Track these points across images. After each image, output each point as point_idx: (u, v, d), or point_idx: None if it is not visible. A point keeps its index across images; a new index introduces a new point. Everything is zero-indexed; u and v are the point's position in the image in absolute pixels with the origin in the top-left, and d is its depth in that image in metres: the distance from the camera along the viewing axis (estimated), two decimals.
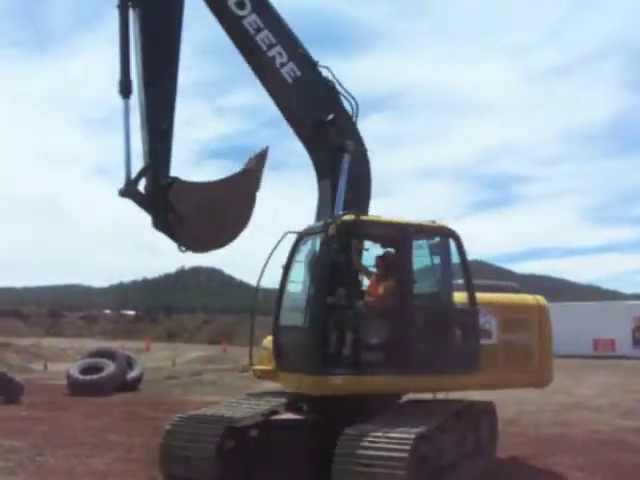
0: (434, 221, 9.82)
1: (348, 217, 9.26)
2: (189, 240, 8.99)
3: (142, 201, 8.79)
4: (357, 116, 10.49)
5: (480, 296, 9.84)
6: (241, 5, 9.63)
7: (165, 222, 8.80)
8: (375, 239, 10.24)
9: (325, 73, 10.32)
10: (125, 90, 9.03)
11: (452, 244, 9.77)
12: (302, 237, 9.87)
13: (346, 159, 10.18)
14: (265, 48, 9.80)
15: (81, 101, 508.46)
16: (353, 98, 10.41)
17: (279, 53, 9.86)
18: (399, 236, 9.60)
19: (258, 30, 9.73)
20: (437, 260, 9.85)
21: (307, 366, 8.82)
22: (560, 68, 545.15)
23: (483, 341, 9.74)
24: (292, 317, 9.62)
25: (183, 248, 8.96)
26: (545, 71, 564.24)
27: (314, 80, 10.23)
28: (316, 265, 9.21)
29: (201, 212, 8.90)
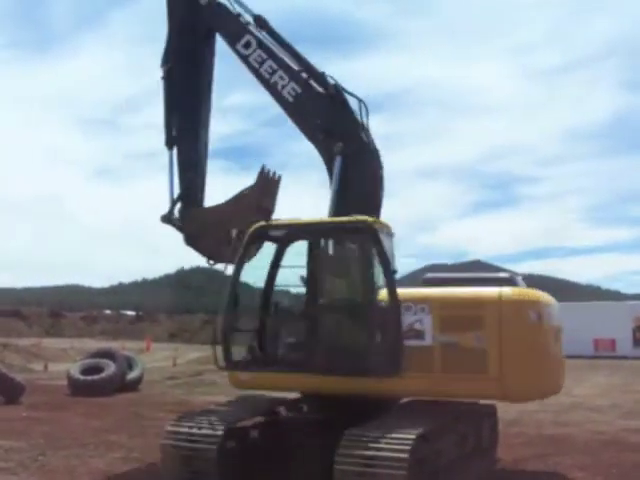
0: (354, 217, 9.28)
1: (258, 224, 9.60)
2: (207, 254, 11.35)
3: (177, 225, 11.60)
4: (367, 117, 10.50)
5: (414, 291, 9.16)
6: (247, 45, 11.09)
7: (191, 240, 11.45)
8: (295, 241, 10.18)
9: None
10: (169, 144, 11.79)
11: (368, 239, 9.12)
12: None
13: (338, 161, 10.25)
14: (268, 76, 10.94)
15: (81, 101, 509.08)
16: (360, 100, 10.48)
17: (280, 77, 10.87)
18: (312, 237, 9.60)
19: (262, 62, 10.98)
20: (357, 257, 9.65)
21: (223, 363, 9.47)
22: (562, 68, 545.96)
23: (413, 342, 8.67)
24: None
25: (211, 262, 11.33)
26: (547, 71, 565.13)
27: (315, 93, 10.73)
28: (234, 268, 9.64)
29: (206, 232, 11.20)
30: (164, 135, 11.83)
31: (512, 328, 8.54)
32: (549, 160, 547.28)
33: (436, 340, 8.68)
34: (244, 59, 11.13)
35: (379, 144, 10.51)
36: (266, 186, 11.15)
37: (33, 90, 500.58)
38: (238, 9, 11.34)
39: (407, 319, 8.70)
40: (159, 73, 11.92)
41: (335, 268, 9.68)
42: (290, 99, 10.81)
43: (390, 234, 9.54)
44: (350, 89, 10.55)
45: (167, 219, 11.62)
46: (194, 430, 8.53)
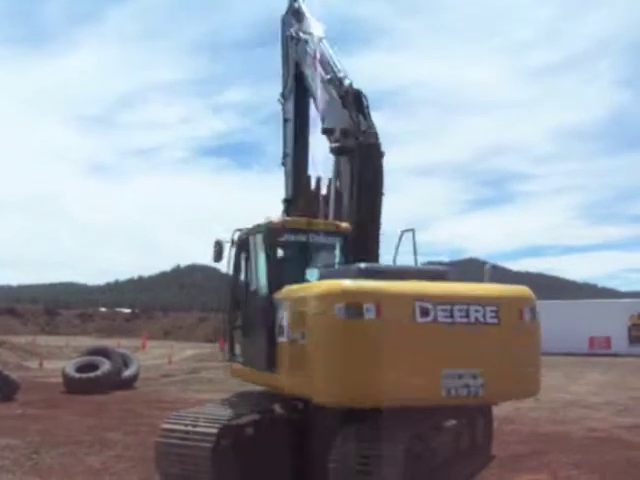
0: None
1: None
2: None
3: None
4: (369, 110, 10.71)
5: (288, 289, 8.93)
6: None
7: None
8: None
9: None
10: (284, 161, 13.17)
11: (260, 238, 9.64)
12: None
13: (339, 160, 10.62)
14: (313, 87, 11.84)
15: (76, 98, 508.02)
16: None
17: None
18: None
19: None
20: (259, 256, 9.82)
21: None
22: (557, 66, 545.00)
23: (280, 339, 8.65)
24: None
25: None
26: (542, 68, 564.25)
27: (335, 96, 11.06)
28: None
29: None
30: (282, 156, 13.31)
31: (318, 324, 7.77)
32: (545, 158, 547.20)
33: (288, 337, 8.45)
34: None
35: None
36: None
37: (27, 87, 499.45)
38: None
39: (279, 315, 8.82)
40: (277, 105, 13.65)
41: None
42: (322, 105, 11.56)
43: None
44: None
45: None
46: (189, 428, 8.51)
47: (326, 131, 10.99)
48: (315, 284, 8.62)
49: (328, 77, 11.27)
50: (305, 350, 7.94)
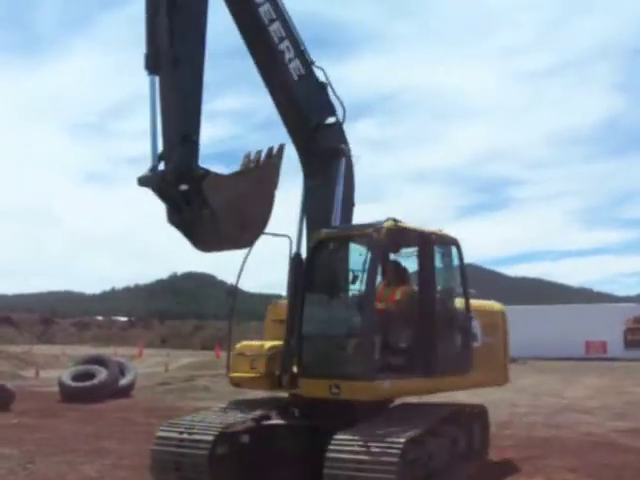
0: (440, 229, 9.97)
1: (389, 224, 9.18)
2: (212, 238, 8.42)
3: (162, 191, 8.19)
4: (344, 121, 10.34)
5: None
6: None
7: (181, 218, 8.28)
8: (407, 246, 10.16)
9: (320, 74, 10.10)
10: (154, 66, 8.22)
11: (454, 251, 10.07)
12: (323, 241, 9.65)
13: (343, 162, 10.13)
14: (276, 40, 9.44)
15: (69, 106, 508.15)
16: (342, 103, 10.25)
17: (287, 48, 9.57)
18: (423, 243, 9.71)
19: (271, 21, 9.38)
20: (442, 266, 10.03)
21: (357, 372, 8.64)
22: (551, 70, 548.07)
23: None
24: (320, 324, 9.56)
25: (200, 246, 8.57)
26: (536, 73, 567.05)
27: (314, 80, 10.03)
28: (369, 270, 8.97)
29: (231, 208, 8.21)
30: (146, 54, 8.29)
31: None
32: (540, 163, 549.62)
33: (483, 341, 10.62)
34: (252, 9, 9.22)
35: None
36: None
37: (20, 94, 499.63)
38: None
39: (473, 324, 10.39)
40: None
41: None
42: (295, 77, 9.71)
43: None
44: (340, 92, 10.21)
45: (149, 180, 8.19)
46: (184, 435, 8.51)
47: (319, 126, 10.09)
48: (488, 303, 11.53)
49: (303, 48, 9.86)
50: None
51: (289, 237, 9.77)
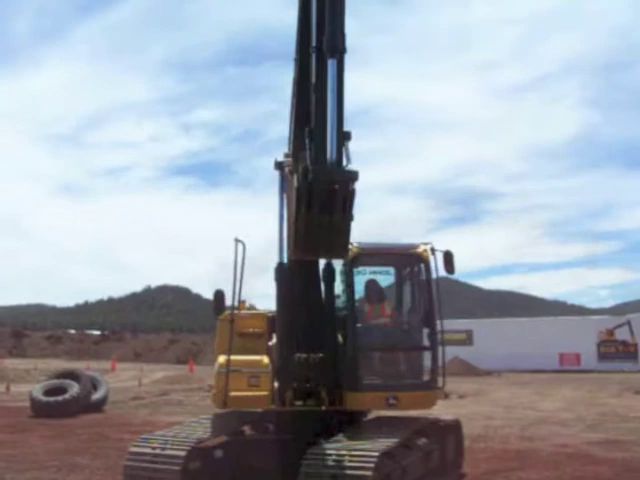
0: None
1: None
2: (343, 245, 8.15)
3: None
4: None
5: None
6: None
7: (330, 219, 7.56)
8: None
9: None
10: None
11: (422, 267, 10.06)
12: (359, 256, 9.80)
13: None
14: None
15: (44, 117, 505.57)
16: None
17: None
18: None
19: None
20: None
21: (419, 383, 9.61)
22: (525, 85, 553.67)
23: None
24: (376, 338, 9.79)
25: (336, 252, 8.40)
26: (510, 88, 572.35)
27: None
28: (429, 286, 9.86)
29: None
30: None
31: None
32: (514, 176, 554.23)
33: None
34: None
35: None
36: None
37: None
38: None
39: None
40: None
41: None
42: None
43: None
44: None
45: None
46: (157, 451, 8.45)
47: None
48: None
49: None
50: None
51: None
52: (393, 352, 9.83)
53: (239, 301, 9.77)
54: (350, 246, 8.97)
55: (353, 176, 7.36)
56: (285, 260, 9.67)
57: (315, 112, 7.61)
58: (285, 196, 9.75)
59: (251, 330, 9.87)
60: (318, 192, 7.33)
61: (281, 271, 9.60)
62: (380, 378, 9.54)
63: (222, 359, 9.33)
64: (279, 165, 9.86)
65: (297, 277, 9.54)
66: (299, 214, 7.59)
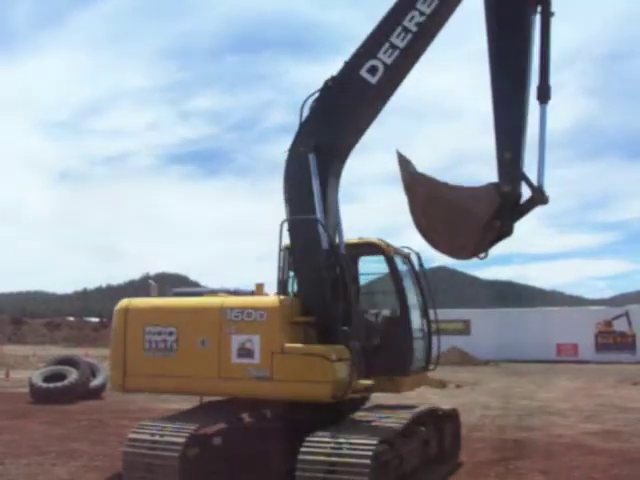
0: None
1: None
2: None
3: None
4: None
5: None
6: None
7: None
8: None
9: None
10: (543, 96, 9.25)
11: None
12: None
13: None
14: None
15: (42, 104, 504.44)
16: None
17: None
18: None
19: None
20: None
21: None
22: None
23: None
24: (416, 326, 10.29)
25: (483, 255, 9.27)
26: None
27: None
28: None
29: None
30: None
31: None
32: None
33: None
34: None
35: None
36: None
37: None
38: None
39: None
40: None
41: None
42: None
43: None
44: None
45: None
46: (156, 437, 8.49)
47: None
48: None
49: None
50: None
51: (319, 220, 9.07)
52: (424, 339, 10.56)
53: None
54: None
55: None
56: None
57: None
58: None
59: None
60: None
61: (338, 256, 9.09)
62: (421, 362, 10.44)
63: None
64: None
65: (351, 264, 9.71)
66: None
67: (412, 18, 8.93)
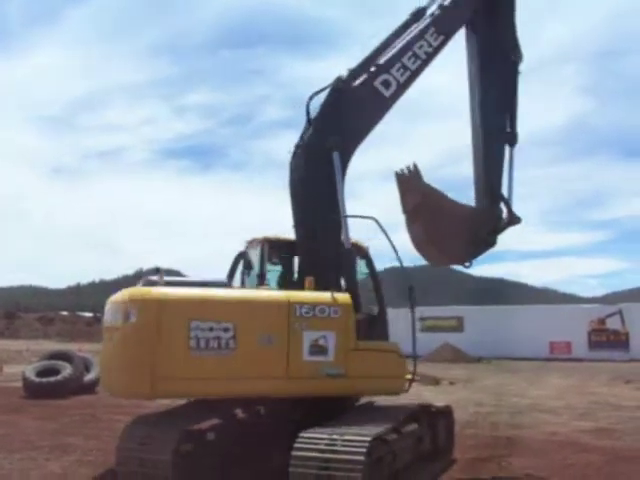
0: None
1: None
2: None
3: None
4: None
5: None
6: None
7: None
8: None
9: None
10: (511, 141, 12.19)
11: None
12: None
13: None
14: None
15: (36, 99, 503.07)
16: None
17: None
18: None
19: None
20: None
21: None
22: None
23: None
24: None
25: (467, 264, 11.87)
26: None
27: None
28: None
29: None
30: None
31: None
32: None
33: None
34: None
35: None
36: None
37: None
38: None
39: None
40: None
41: None
42: None
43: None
44: (310, 90, 10.12)
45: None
46: (149, 433, 8.48)
47: None
48: None
49: None
50: None
51: (375, 219, 9.33)
52: None
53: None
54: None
55: None
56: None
57: None
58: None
59: None
60: None
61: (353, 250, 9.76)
62: None
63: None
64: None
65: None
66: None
67: (421, 47, 10.64)
